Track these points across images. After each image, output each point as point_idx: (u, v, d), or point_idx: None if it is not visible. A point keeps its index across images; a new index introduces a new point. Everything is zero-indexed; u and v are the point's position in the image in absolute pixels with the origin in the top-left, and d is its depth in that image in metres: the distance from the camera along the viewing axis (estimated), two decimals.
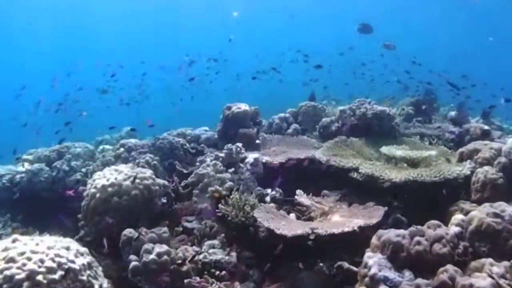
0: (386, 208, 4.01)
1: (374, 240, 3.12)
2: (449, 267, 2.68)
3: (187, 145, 6.34)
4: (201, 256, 3.81)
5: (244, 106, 6.11)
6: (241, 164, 5.11)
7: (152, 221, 4.28)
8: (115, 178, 4.20)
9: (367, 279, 2.89)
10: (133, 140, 6.95)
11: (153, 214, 4.35)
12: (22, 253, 2.87)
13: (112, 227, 4.06)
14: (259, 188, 4.78)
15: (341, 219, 4.02)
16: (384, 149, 4.91)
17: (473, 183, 4.03)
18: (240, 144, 5.21)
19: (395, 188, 4.35)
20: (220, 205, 4.25)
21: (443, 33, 30.28)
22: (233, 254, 3.89)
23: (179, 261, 3.60)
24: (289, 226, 3.82)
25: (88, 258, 3.32)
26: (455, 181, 4.14)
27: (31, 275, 2.75)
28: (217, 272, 3.71)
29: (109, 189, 4.14)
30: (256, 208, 4.24)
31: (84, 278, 3.05)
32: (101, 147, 8.03)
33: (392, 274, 2.81)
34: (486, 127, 5.61)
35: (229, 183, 4.60)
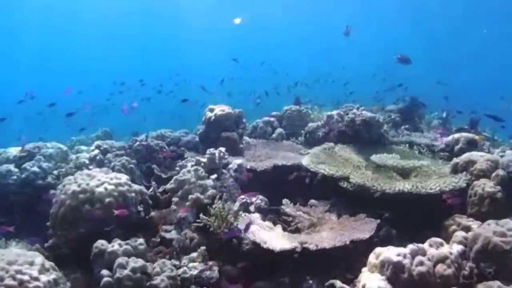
0: (378, 221, 3.78)
1: (371, 258, 2.87)
2: None
3: (167, 148, 6.01)
4: (180, 271, 3.50)
5: (227, 109, 5.81)
6: (224, 170, 4.81)
7: (127, 231, 3.95)
8: (87, 184, 3.86)
9: None
10: (109, 142, 6.57)
11: (128, 223, 4.02)
12: None
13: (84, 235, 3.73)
14: (242, 196, 4.48)
15: (331, 232, 3.76)
16: (375, 158, 4.67)
17: (470, 196, 3.81)
18: (223, 149, 4.91)
19: (387, 199, 4.11)
20: (201, 215, 3.95)
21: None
22: (215, 268, 3.57)
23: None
24: (276, 239, 3.55)
25: (54, 274, 2.99)
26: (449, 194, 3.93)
27: None
28: None
29: (81, 195, 3.80)
30: (240, 218, 3.96)
31: None
32: (76, 147, 7.61)
33: None
34: (476, 137, 5.42)
35: (211, 191, 4.29)
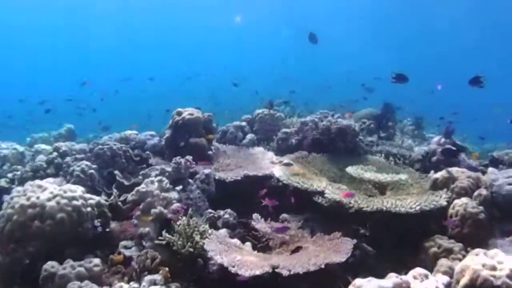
0: (354, 241, 3.54)
1: None
2: None
3: (131, 151, 5.63)
4: None
5: (196, 112, 5.48)
6: (190, 180, 4.50)
7: (82, 249, 3.61)
8: (38, 198, 3.48)
9: None
10: (69, 143, 6.15)
11: (83, 240, 3.67)
12: None
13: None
14: (210, 210, 4.19)
15: (304, 253, 3.49)
16: (351, 170, 4.43)
17: (451, 215, 3.61)
18: (190, 158, 4.60)
19: (363, 214, 3.88)
20: (164, 232, 3.63)
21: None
22: None
23: None
24: (245, 261, 3.26)
25: None
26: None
27: None
28: None
29: (29, 210, 3.42)
30: (207, 234, 3.66)
31: None
32: (36, 146, 7.12)
33: None
34: (454, 148, 5.27)
35: (176, 204, 3.97)
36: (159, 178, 4.17)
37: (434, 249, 3.40)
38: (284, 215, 4.23)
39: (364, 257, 3.74)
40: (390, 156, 5.36)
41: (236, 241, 3.71)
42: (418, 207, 3.54)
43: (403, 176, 4.20)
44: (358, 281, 2.57)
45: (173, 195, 4.09)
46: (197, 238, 3.56)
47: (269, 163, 5.17)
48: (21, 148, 6.57)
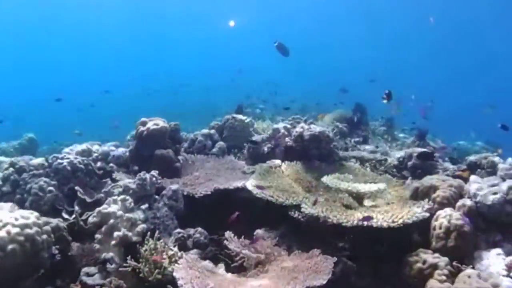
0: (335, 259, 3.31)
1: None
2: None
3: (93, 165, 5.28)
4: None
5: (162, 122, 5.17)
6: (156, 197, 4.21)
7: (39, 280, 3.29)
8: None
9: None
10: (26, 157, 5.75)
11: (40, 271, 3.34)
12: None
13: None
14: (179, 230, 3.90)
15: (282, 274, 3.26)
16: (327, 180, 4.22)
17: (434, 228, 3.44)
18: (155, 173, 4.30)
19: (342, 228, 3.67)
20: (129, 258, 3.34)
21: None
22: None
23: None
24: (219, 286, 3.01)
25: None
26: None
27: None
28: None
29: None
30: (176, 258, 3.39)
31: None
32: None
33: None
34: (430, 151, 5.14)
35: (141, 226, 3.68)
36: (122, 197, 3.86)
37: (419, 264, 3.22)
38: (259, 231, 3.98)
39: (345, 274, 3.54)
40: (365, 162, 5.18)
41: (208, 264, 3.44)
42: (400, 221, 3.35)
43: (381, 186, 4.01)
44: None
45: (138, 215, 3.80)
46: (166, 263, 3.28)
47: (241, 173, 4.93)
48: None
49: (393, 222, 3.36)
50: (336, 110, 7.80)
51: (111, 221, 3.67)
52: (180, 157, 5.25)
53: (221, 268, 3.48)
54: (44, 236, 3.33)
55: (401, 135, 8.56)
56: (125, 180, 4.39)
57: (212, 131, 6.10)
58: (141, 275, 3.25)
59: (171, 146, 5.16)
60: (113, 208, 3.73)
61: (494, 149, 7.88)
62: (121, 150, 5.80)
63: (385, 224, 3.34)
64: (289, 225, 4.00)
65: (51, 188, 4.67)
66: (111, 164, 5.54)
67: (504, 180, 3.93)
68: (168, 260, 3.33)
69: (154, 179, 4.21)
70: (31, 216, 3.33)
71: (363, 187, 3.97)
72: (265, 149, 5.28)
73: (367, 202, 4.21)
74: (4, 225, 3.15)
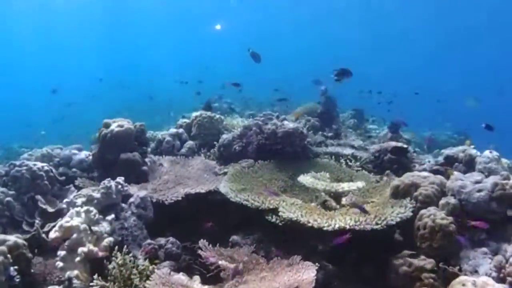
0: (317, 266, 3.14)
1: None
2: None
3: (54, 171, 4.95)
4: None
5: (127, 123, 4.87)
6: (123, 205, 3.94)
7: None
8: None
9: None
10: None
11: None
12: None
13: None
14: (149, 240, 3.66)
15: (261, 285, 3.07)
16: (303, 180, 4.04)
17: (418, 228, 3.30)
18: (121, 179, 4.03)
19: (321, 231, 3.50)
20: (95, 278, 3.08)
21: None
22: None
23: None
24: None
25: None
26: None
27: None
28: None
29: None
30: (147, 272, 3.16)
31: None
32: None
33: None
34: (405, 146, 5.03)
35: (107, 239, 3.42)
36: (85, 208, 3.58)
37: (405, 268, 3.10)
38: (234, 237, 3.78)
39: (327, 279, 3.38)
40: (341, 158, 5.03)
41: (182, 277, 3.21)
42: (384, 222, 3.20)
43: (360, 184, 3.85)
44: None
45: (104, 227, 3.54)
46: (136, 280, 3.04)
47: (212, 175, 4.70)
48: None
49: (377, 224, 3.21)
50: (306, 104, 7.63)
51: (75, 235, 3.39)
52: (147, 160, 4.97)
53: (196, 281, 3.26)
54: (1, 258, 3.04)
55: (371, 126, 8.49)
56: (89, 189, 4.09)
57: (180, 130, 5.85)
58: None
59: (137, 149, 4.87)
60: (76, 221, 3.45)
61: (463, 138, 7.93)
62: (84, 153, 5.48)
63: (368, 227, 3.19)
64: (266, 228, 3.81)
65: (9, 198, 4.35)
66: (74, 169, 5.24)
67: (483, 173, 3.85)
68: (138, 276, 3.09)
69: (119, 186, 3.94)
70: None
71: (341, 186, 3.81)
72: (237, 147, 5.06)
73: (344, 200, 4.06)
74: None
